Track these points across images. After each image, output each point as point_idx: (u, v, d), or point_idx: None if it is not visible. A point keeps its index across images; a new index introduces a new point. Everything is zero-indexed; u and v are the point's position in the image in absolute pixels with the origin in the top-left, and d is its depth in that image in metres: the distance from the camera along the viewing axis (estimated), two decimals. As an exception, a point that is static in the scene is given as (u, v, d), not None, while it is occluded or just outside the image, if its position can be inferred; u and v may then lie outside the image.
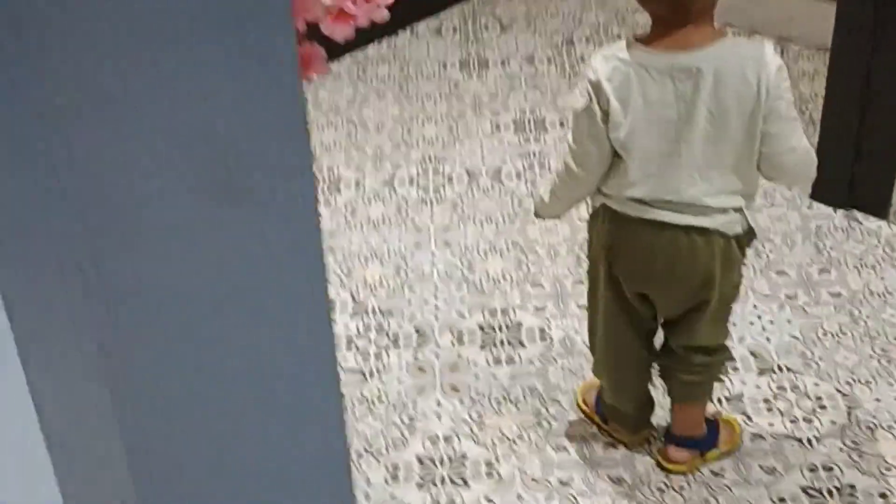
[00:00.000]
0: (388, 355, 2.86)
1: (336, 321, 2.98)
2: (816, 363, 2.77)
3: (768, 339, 2.86)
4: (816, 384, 2.71)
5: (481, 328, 2.93)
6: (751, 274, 3.05)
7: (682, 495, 2.42)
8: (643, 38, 2.15)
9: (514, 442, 2.59)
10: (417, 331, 2.93)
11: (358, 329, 2.95)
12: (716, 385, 2.56)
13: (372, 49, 4.41)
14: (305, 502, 1.26)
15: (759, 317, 2.93)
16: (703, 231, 2.19)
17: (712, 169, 2.16)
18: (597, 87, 2.13)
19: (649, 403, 2.51)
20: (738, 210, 2.21)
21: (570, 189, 2.30)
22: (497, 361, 2.82)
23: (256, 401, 0.97)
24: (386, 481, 2.50)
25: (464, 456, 2.56)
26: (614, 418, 2.52)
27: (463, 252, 3.22)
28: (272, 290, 0.94)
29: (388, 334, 2.93)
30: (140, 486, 0.89)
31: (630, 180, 2.18)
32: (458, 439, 2.60)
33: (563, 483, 2.47)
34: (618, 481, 2.47)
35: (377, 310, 3.02)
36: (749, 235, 2.26)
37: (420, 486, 2.49)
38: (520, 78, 4.19)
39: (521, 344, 2.87)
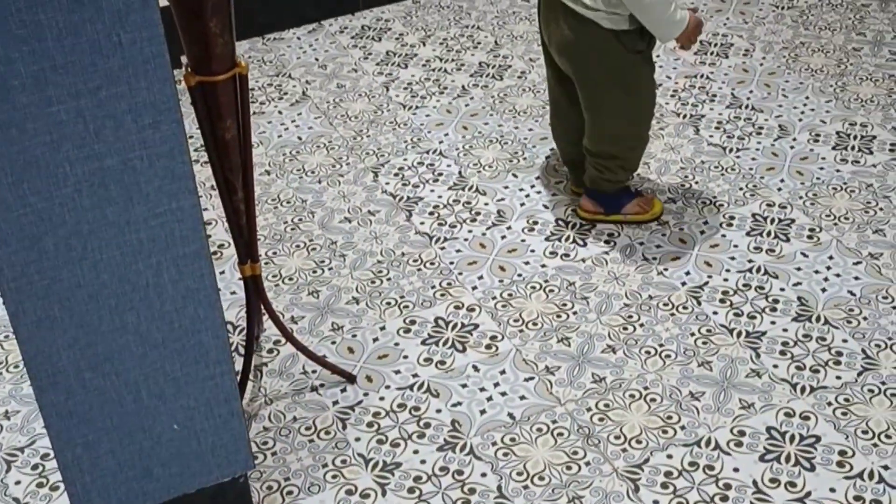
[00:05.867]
0: (460, 228, 3.08)
1: (434, 190, 3.23)
2: (858, 321, 2.71)
3: (823, 290, 2.82)
4: (845, 340, 2.67)
5: (558, 222, 3.08)
6: (845, 227, 2.99)
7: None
8: None
9: (528, 325, 2.75)
10: (500, 212, 3.13)
11: (448, 200, 3.18)
12: (741, 319, 2.72)
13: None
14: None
15: (829, 268, 2.88)
16: (578, 17, 2.71)
17: None
18: None
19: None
20: (616, 14, 2.68)
21: None
22: (553, 254, 2.97)
23: None
24: (398, 331, 2.76)
25: (476, 326, 2.76)
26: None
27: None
28: None
29: (471, 209, 3.14)
30: None
31: None
32: (480, 311, 2.80)
33: (549, 370, 2.63)
34: (599, 380, 2.59)
35: (476, 188, 3.23)
36: (632, 36, 2.73)
37: (424, 342, 2.73)
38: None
39: (584, 245, 3.00)
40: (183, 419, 2.02)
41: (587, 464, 2.40)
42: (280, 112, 3.62)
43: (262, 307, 2.56)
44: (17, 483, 2.42)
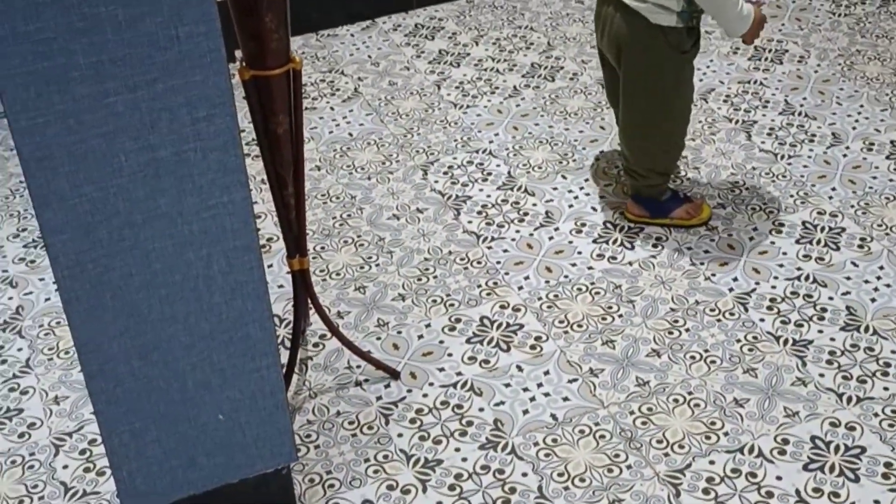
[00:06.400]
0: (508, 228, 3.08)
1: (483, 190, 3.24)
2: (908, 333, 2.69)
3: (873, 300, 2.79)
4: (894, 351, 2.64)
5: (606, 225, 3.07)
6: (897, 236, 2.98)
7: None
8: None
9: (573, 327, 2.75)
10: (548, 213, 3.13)
11: (497, 200, 3.19)
12: (788, 326, 2.71)
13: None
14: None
15: (879, 277, 2.85)
16: (628, 10, 2.76)
17: None
18: None
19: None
20: (664, 8, 2.71)
21: None
22: (600, 256, 2.97)
23: None
24: (443, 329, 2.77)
25: (521, 326, 2.77)
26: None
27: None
28: None
29: (519, 210, 3.15)
30: None
31: None
32: (525, 312, 2.80)
33: (592, 372, 2.63)
34: (643, 384, 2.59)
35: (525, 188, 3.23)
36: (679, 34, 2.76)
37: (469, 340, 2.73)
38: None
39: (631, 248, 2.99)
40: (228, 410, 2.04)
41: (629, 467, 2.40)
42: (332, 108, 3.64)
43: (309, 301, 2.58)
44: (65, 467, 2.46)
